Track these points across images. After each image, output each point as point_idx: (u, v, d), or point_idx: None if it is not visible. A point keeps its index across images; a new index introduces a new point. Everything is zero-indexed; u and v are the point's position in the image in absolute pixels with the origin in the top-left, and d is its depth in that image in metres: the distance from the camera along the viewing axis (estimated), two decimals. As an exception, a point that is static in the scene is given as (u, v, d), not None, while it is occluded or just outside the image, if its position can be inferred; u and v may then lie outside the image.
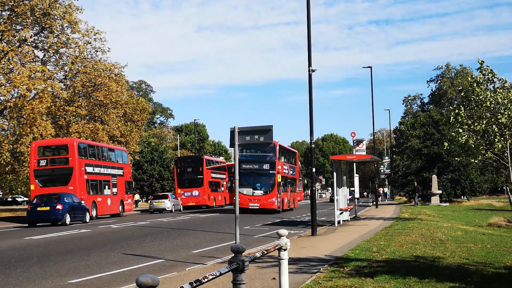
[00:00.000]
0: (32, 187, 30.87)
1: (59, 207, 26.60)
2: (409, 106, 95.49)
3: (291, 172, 41.59)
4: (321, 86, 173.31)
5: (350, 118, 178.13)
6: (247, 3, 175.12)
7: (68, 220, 27.10)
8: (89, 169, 33.00)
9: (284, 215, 33.56)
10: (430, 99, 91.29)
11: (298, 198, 50.32)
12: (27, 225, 27.89)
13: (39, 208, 26.67)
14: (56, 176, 31.15)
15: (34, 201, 27.59)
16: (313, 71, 19.68)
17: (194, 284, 4.02)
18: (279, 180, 36.49)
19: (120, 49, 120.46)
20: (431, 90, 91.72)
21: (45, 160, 31.24)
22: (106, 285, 9.90)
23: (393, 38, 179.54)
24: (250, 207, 35.35)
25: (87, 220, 29.31)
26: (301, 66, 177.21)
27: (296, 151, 50.24)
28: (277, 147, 36.23)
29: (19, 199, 67.65)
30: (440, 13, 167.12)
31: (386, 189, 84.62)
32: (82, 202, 29.67)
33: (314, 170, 20.89)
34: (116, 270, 11.59)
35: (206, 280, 4.26)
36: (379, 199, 49.78)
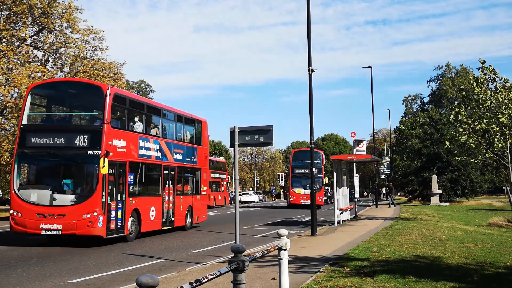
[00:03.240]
0: None
1: None
2: (409, 106, 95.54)
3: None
4: (319, 87, 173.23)
5: (350, 118, 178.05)
6: (244, 3, 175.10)
7: None
8: None
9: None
10: (430, 99, 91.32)
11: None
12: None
13: None
14: None
15: None
16: (313, 71, 19.69)
17: (194, 284, 4.02)
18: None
19: (118, 49, 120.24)
20: (431, 90, 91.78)
21: None
22: (106, 285, 9.90)
23: (390, 38, 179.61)
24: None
25: None
26: (299, 67, 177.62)
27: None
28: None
29: None
30: (436, 14, 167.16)
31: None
32: None
33: (314, 170, 20.91)
34: (116, 270, 11.59)
35: (206, 280, 4.26)
36: (389, 198, 49.42)
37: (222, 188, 53.14)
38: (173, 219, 20.71)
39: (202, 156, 23.97)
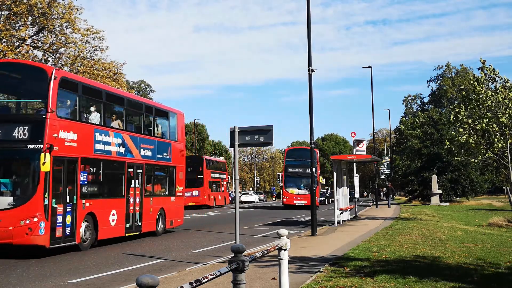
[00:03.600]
0: None
1: None
2: (409, 106, 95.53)
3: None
4: (319, 87, 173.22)
5: (350, 118, 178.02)
6: (244, 3, 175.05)
7: None
8: None
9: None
10: (430, 99, 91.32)
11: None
12: None
13: None
14: None
15: None
16: (313, 71, 19.69)
17: (194, 284, 4.02)
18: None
19: (118, 49, 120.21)
20: (431, 90, 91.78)
21: None
22: (106, 285, 9.90)
23: (390, 38, 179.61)
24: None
25: None
26: (299, 67, 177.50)
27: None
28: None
29: None
30: (436, 14, 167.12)
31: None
32: None
33: (314, 170, 20.92)
34: (116, 270, 11.59)
35: (206, 280, 4.26)
36: (388, 198, 47.73)
37: (222, 188, 53.15)
38: (140, 224, 18.26)
39: (177, 153, 21.55)
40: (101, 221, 15.80)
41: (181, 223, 22.01)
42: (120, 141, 17.18)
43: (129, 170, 17.69)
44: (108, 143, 16.45)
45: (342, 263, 11.08)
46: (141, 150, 18.61)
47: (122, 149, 17.26)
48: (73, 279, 10.41)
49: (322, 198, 55.43)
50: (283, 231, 7.36)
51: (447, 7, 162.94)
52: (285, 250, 7.23)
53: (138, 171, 18.34)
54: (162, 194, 20.50)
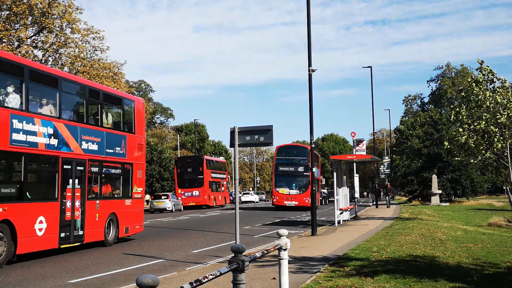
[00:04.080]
0: None
1: None
2: (409, 106, 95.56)
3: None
4: (319, 87, 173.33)
5: (350, 118, 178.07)
6: (244, 3, 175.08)
7: None
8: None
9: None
10: (430, 99, 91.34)
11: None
12: None
13: None
14: None
15: None
16: (313, 71, 19.69)
17: (194, 284, 4.02)
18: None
19: (118, 49, 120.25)
20: (431, 90, 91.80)
21: None
22: (106, 285, 9.90)
23: (389, 38, 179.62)
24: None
25: None
26: (298, 67, 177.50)
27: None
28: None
29: None
30: (436, 14, 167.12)
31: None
32: None
33: (314, 170, 20.91)
34: (116, 270, 11.59)
35: (206, 280, 4.26)
36: (387, 198, 45.40)
37: (223, 188, 53.18)
38: (81, 232, 15.05)
39: (134, 147, 18.28)
40: (21, 231, 12.58)
41: (141, 230, 18.87)
42: (51, 131, 13.91)
43: (64, 167, 14.43)
44: (33, 133, 13.24)
45: (342, 263, 11.08)
46: (83, 142, 15.36)
47: (54, 141, 14.00)
48: (73, 279, 10.41)
49: (319, 198, 54.55)
50: (283, 231, 7.36)
51: (446, 7, 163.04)
52: (285, 250, 7.23)
53: (79, 168, 15.15)
54: (113, 196, 17.46)
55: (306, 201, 38.50)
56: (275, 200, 41.84)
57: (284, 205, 40.55)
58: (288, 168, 41.66)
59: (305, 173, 40.21)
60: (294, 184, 41.67)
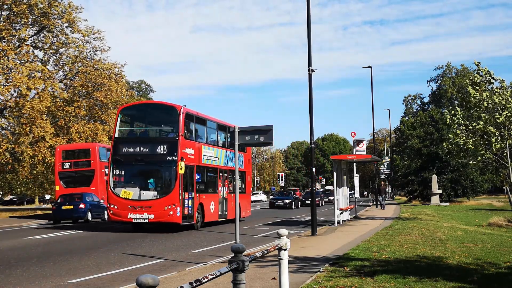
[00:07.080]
0: (57, 187, 32.85)
1: (81, 206, 28.46)
2: (409, 106, 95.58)
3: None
4: (319, 87, 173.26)
5: (350, 118, 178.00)
6: (242, 4, 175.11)
7: (90, 217, 28.76)
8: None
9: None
10: (430, 99, 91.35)
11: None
12: (52, 222, 29.17)
13: (63, 207, 28.52)
14: (79, 177, 32.50)
15: (59, 200, 29.36)
16: (313, 71, 19.69)
17: (194, 284, 4.02)
18: None
19: (117, 50, 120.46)
20: (431, 90, 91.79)
21: (69, 163, 32.77)
22: (106, 285, 9.89)
23: (388, 38, 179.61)
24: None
25: (105, 218, 29.58)
26: (297, 67, 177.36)
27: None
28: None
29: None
30: (434, 14, 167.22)
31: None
32: (101, 201, 30.67)
33: (314, 170, 20.89)
34: (116, 270, 11.58)
35: (206, 280, 4.26)
36: (380, 198, 41.88)
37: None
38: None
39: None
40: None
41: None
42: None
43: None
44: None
45: (342, 263, 11.08)
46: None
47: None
48: (73, 279, 10.40)
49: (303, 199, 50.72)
50: (283, 231, 7.35)
51: (444, 7, 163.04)
52: (285, 250, 7.23)
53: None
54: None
55: (171, 212, 20.29)
56: (111, 212, 21.16)
57: (128, 220, 20.92)
58: (138, 150, 21.58)
59: (168, 158, 20.87)
60: (150, 181, 21.73)
